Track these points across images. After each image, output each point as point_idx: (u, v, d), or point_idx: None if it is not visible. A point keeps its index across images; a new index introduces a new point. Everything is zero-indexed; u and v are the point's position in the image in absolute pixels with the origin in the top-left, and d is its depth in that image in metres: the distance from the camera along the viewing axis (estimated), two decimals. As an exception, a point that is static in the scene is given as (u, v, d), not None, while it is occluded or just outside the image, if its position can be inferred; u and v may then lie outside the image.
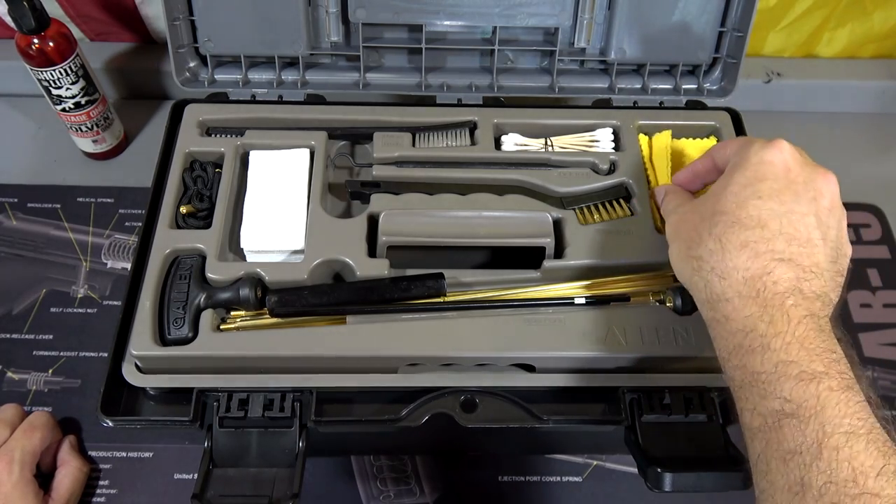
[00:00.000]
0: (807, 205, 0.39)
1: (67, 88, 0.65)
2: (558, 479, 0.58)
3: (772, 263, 0.37)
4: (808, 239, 0.39)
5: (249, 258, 0.52)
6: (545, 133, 0.60)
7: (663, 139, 0.59)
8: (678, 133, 0.60)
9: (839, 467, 0.32)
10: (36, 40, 0.61)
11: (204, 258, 0.51)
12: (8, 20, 0.61)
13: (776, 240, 0.38)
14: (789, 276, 0.37)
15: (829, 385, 0.34)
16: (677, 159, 0.58)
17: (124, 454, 0.58)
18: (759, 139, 0.42)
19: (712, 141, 0.60)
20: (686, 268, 0.42)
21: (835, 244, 0.40)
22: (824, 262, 0.39)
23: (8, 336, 0.63)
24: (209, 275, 0.50)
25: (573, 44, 0.63)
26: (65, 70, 0.63)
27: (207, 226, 0.52)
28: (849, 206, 0.75)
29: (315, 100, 0.62)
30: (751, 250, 0.38)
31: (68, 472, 0.54)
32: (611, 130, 0.60)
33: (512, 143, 0.59)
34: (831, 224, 0.40)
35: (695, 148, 0.59)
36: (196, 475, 0.45)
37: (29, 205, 0.71)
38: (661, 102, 0.64)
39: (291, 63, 0.64)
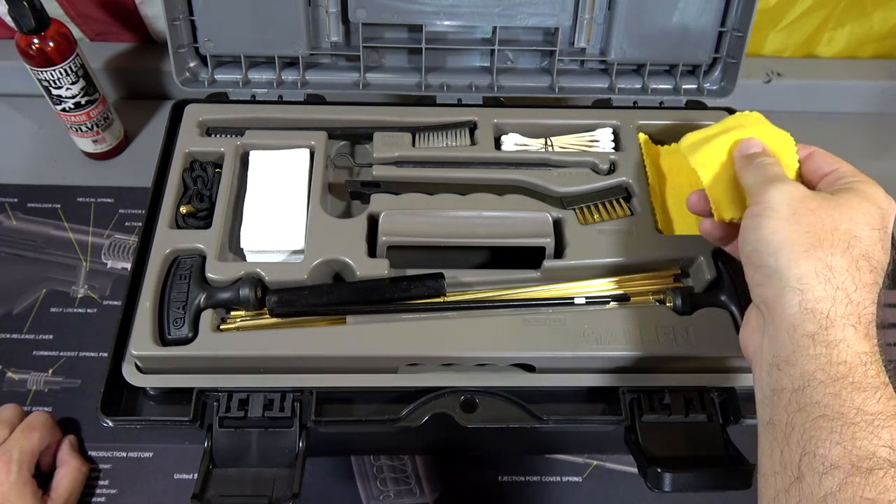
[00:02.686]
0: (886, 254, 0.39)
1: (67, 88, 0.65)
2: (558, 479, 0.58)
3: (851, 288, 0.37)
4: (876, 281, 0.38)
5: (249, 258, 0.52)
6: (545, 133, 0.60)
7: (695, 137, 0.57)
8: (678, 131, 0.60)
9: None
10: (36, 40, 0.61)
11: (204, 258, 0.51)
12: (8, 20, 0.61)
13: (864, 273, 0.37)
14: (863, 301, 0.37)
15: (890, 410, 0.33)
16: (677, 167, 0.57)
17: (124, 454, 0.58)
18: (867, 178, 0.42)
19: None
20: (804, 264, 0.37)
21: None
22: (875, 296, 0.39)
23: (8, 336, 0.63)
24: (209, 275, 0.50)
25: (573, 44, 0.64)
26: (65, 70, 0.63)
27: (207, 226, 0.52)
28: (849, 206, 0.75)
29: (315, 100, 0.62)
30: (875, 294, 0.37)
31: (68, 471, 0.54)
32: (611, 130, 0.60)
33: (512, 143, 0.59)
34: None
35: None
36: (196, 475, 0.45)
37: (29, 205, 0.71)
38: (661, 102, 0.64)
39: (291, 63, 0.64)
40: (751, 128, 0.50)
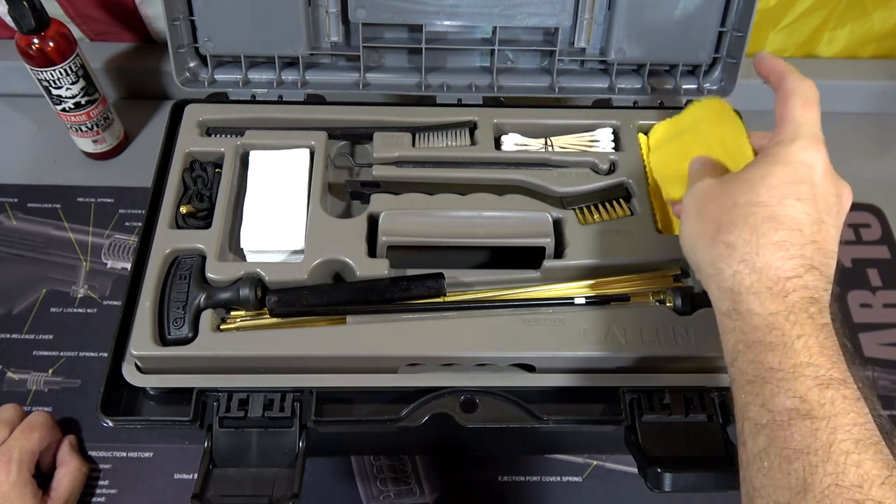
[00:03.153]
0: (834, 217, 0.40)
1: (67, 88, 0.65)
2: (558, 479, 0.58)
3: (801, 268, 0.37)
4: (831, 250, 0.39)
5: (249, 258, 0.52)
6: (545, 133, 0.60)
7: (660, 132, 0.58)
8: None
9: (846, 471, 0.32)
10: (36, 40, 0.61)
11: (204, 258, 0.51)
12: (8, 20, 0.61)
13: (808, 246, 0.38)
14: (815, 283, 0.37)
15: (844, 393, 0.34)
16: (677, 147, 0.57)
17: (124, 454, 0.58)
18: (805, 132, 0.42)
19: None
20: (710, 251, 0.40)
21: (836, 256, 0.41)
22: (833, 274, 0.39)
23: (8, 336, 0.63)
24: (209, 275, 0.50)
25: (573, 44, 0.63)
26: (65, 70, 0.63)
27: (207, 226, 0.52)
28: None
29: (315, 100, 0.62)
30: (786, 251, 0.38)
31: (67, 471, 0.54)
32: (611, 130, 0.60)
33: (512, 143, 0.59)
34: (838, 238, 0.41)
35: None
36: (196, 475, 0.45)
37: (29, 205, 0.71)
38: (661, 102, 0.64)
39: (291, 63, 0.64)
40: (708, 121, 0.54)
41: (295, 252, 0.52)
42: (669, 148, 0.56)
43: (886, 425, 0.36)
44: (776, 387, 0.35)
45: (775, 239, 0.38)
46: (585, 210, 0.55)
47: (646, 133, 0.60)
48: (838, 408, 0.34)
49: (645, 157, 0.58)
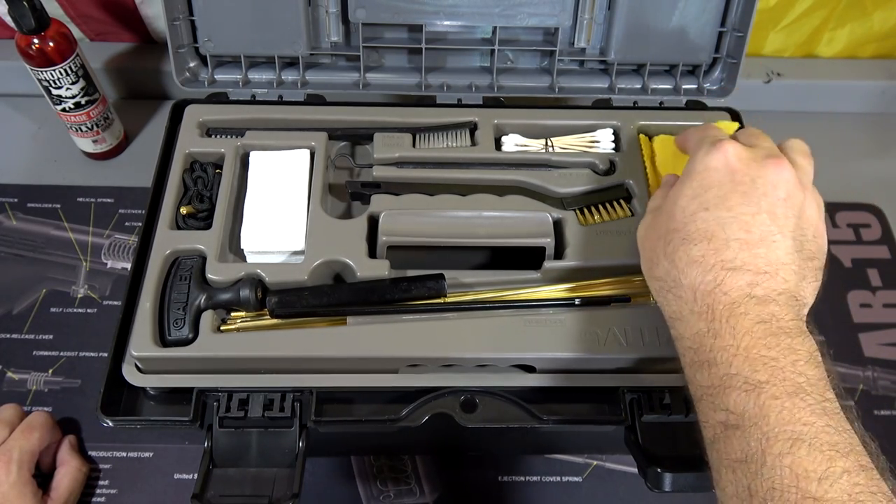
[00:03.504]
0: (756, 203, 0.38)
1: (67, 88, 0.65)
2: (558, 479, 0.59)
3: (721, 274, 0.37)
4: (760, 238, 0.38)
5: (250, 259, 0.52)
6: (545, 133, 0.60)
7: (668, 145, 0.58)
8: (678, 131, 0.60)
9: (782, 473, 0.32)
10: (36, 40, 0.61)
11: (204, 259, 0.51)
12: (8, 20, 0.61)
13: (725, 249, 0.37)
14: (740, 283, 0.37)
15: (771, 393, 0.34)
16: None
17: (124, 454, 0.58)
18: (707, 142, 0.41)
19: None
20: (652, 287, 0.42)
21: (797, 233, 0.39)
22: (785, 257, 0.38)
23: (8, 336, 0.63)
24: (209, 276, 0.50)
25: (573, 44, 0.63)
26: (65, 70, 0.63)
27: (208, 227, 0.52)
28: (849, 206, 0.76)
29: (315, 100, 0.62)
30: (700, 265, 0.38)
31: (67, 471, 0.54)
32: (611, 131, 0.60)
33: (512, 143, 0.59)
34: (789, 214, 0.39)
35: None
36: (196, 475, 0.45)
37: (29, 205, 0.71)
38: (661, 102, 0.64)
39: (291, 63, 0.64)
40: None
41: (295, 253, 0.52)
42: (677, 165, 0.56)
43: (842, 394, 0.35)
44: (710, 403, 0.36)
45: (689, 258, 0.38)
46: (586, 210, 0.55)
47: (647, 134, 0.60)
48: (766, 410, 0.33)
49: (646, 159, 0.57)
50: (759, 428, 0.33)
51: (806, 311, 0.39)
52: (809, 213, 0.40)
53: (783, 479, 0.31)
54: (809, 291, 0.39)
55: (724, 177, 0.39)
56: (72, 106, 0.66)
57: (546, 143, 0.59)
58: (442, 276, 0.49)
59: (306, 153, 0.56)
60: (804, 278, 0.38)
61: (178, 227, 0.53)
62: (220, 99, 0.62)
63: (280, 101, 0.62)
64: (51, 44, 0.61)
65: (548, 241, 0.52)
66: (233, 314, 0.50)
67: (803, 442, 0.32)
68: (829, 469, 0.31)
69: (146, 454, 0.58)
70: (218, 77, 0.63)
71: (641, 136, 0.59)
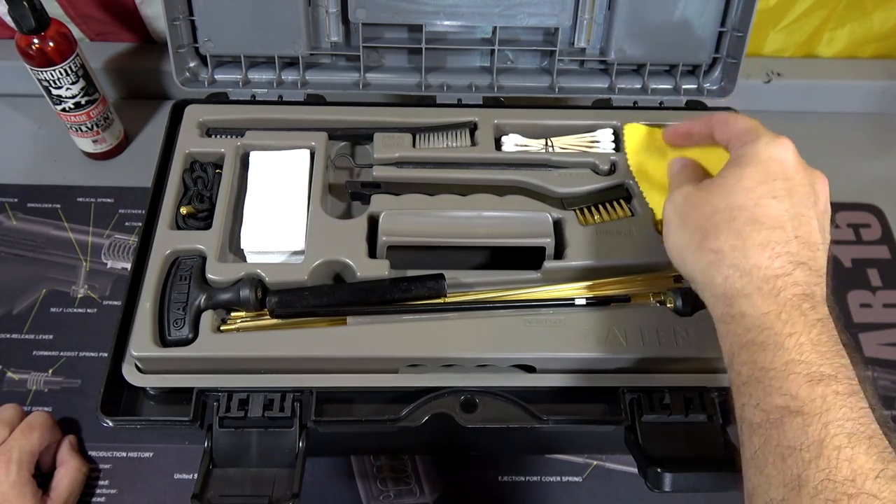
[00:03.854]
0: (811, 207, 0.40)
1: (67, 88, 0.65)
2: (558, 479, 0.59)
3: (790, 265, 0.38)
4: (815, 242, 0.39)
5: (250, 259, 0.52)
6: (545, 133, 0.60)
7: (637, 133, 0.57)
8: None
9: (839, 466, 0.32)
10: (36, 40, 0.61)
11: (204, 259, 0.51)
12: (8, 20, 0.61)
13: (792, 242, 0.38)
14: (805, 279, 0.38)
15: (836, 389, 0.34)
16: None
17: (124, 454, 0.58)
18: (764, 131, 0.42)
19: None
20: (699, 259, 0.41)
21: (827, 247, 0.41)
22: (824, 265, 0.40)
23: (8, 336, 0.63)
24: (209, 276, 0.50)
25: (573, 44, 0.64)
26: (65, 70, 0.63)
27: (208, 227, 0.52)
28: (849, 206, 0.76)
29: (315, 100, 0.62)
30: (771, 250, 0.38)
31: (67, 471, 0.54)
32: (611, 131, 0.60)
33: (512, 143, 0.59)
34: (826, 227, 0.41)
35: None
36: (196, 475, 0.45)
37: (29, 205, 0.71)
38: (661, 102, 0.64)
39: (291, 63, 0.64)
40: None
41: (295, 253, 0.52)
42: (649, 154, 0.56)
43: (885, 418, 0.35)
44: (768, 386, 0.36)
45: (760, 240, 0.38)
46: (586, 211, 0.55)
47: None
48: (830, 403, 0.34)
49: (628, 151, 0.57)
50: (821, 418, 0.33)
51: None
52: (829, 231, 0.42)
53: (840, 472, 0.32)
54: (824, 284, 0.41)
55: (790, 171, 0.40)
56: (72, 106, 0.66)
57: (546, 143, 0.59)
58: (442, 276, 0.49)
59: (306, 153, 0.56)
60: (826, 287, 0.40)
61: (178, 227, 0.53)
62: (220, 99, 0.62)
63: (280, 101, 0.62)
64: (51, 44, 0.61)
65: (548, 241, 0.52)
66: (233, 314, 0.50)
67: (862, 440, 0.33)
68: (885, 470, 0.32)
69: (146, 454, 0.58)
70: (218, 77, 0.63)
71: (627, 127, 0.59)
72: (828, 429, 0.33)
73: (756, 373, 0.36)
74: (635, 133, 0.57)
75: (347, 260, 0.50)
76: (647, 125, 0.58)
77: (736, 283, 0.39)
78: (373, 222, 0.53)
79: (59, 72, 0.63)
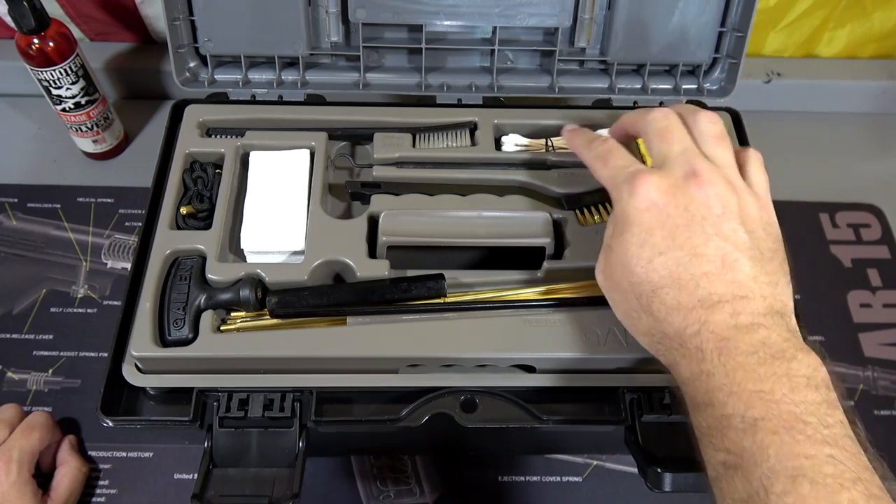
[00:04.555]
0: (702, 230, 0.37)
1: (67, 88, 0.65)
2: (558, 479, 0.59)
3: (702, 313, 0.36)
4: (723, 264, 0.37)
5: (250, 259, 0.52)
6: (545, 133, 0.60)
7: None
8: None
9: None
10: (36, 40, 0.61)
11: (204, 259, 0.51)
12: (8, 20, 0.61)
13: (696, 288, 0.37)
14: (723, 317, 0.36)
15: (768, 429, 0.33)
16: None
17: (124, 454, 0.58)
18: (622, 177, 0.40)
19: None
20: (641, 342, 0.41)
21: (750, 239, 0.38)
22: (751, 271, 0.37)
23: (8, 336, 0.63)
24: (209, 276, 0.50)
25: (573, 44, 0.63)
26: (65, 70, 0.63)
27: (208, 227, 0.52)
28: (849, 206, 0.76)
29: (315, 100, 0.62)
30: (679, 311, 0.37)
31: (67, 471, 0.54)
32: (611, 131, 0.60)
33: (512, 143, 0.59)
34: (734, 225, 0.38)
35: None
36: (196, 475, 0.45)
37: (29, 205, 0.71)
38: (661, 102, 0.64)
39: (291, 63, 0.64)
40: None
41: (295, 253, 0.52)
42: None
43: (844, 394, 0.35)
44: (710, 444, 0.35)
45: (668, 305, 0.37)
46: (586, 211, 0.55)
47: None
48: (765, 447, 0.32)
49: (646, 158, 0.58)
50: (758, 467, 0.32)
51: (793, 318, 0.38)
52: (749, 211, 0.39)
53: None
54: (787, 294, 0.38)
55: (659, 216, 0.38)
56: (72, 106, 0.66)
57: (546, 143, 0.59)
58: (442, 276, 0.49)
59: (306, 153, 0.56)
60: (777, 284, 0.38)
61: (178, 227, 0.53)
62: (220, 99, 0.62)
63: (280, 101, 0.62)
64: (51, 44, 0.61)
65: (548, 241, 0.52)
66: (233, 314, 0.50)
67: (805, 477, 0.31)
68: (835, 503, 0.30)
69: (146, 454, 0.58)
70: (218, 77, 0.63)
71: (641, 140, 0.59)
72: (768, 476, 0.32)
73: (700, 433, 0.36)
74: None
75: (347, 260, 0.50)
76: None
77: (666, 357, 0.39)
78: (373, 222, 0.53)
79: (59, 72, 0.63)
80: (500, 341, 0.48)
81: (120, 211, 0.71)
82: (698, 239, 0.37)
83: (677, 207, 0.38)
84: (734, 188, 0.39)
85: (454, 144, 0.59)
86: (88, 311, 0.65)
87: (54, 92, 0.65)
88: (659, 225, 0.38)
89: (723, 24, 0.62)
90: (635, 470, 0.47)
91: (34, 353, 0.62)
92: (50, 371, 0.61)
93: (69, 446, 0.56)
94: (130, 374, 0.47)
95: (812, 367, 0.34)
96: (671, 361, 0.38)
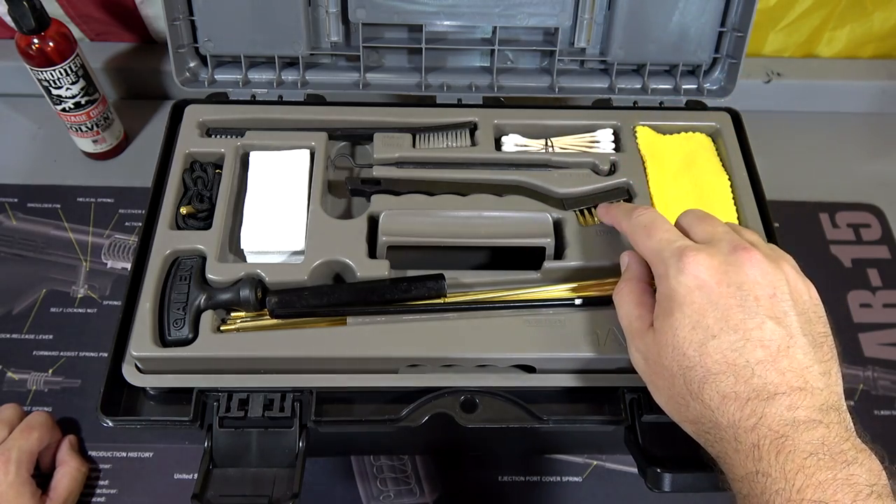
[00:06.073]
0: (755, 311, 0.36)
1: (67, 88, 0.65)
2: (558, 479, 0.59)
3: (759, 406, 0.34)
4: (778, 350, 0.35)
5: (250, 259, 0.52)
6: (545, 134, 0.60)
7: (646, 136, 0.59)
8: (677, 131, 0.61)
9: None
10: (36, 40, 0.61)
11: (204, 259, 0.51)
12: (8, 20, 0.61)
13: (752, 376, 0.35)
14: (780, 410, 0.34)
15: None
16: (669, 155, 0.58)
17: (124, 454, 0.58)
18: (669, 252, 0.39)
19: (699, 136, 0.61)
20: (687, 430, 0.39)
21: (801, 321, 0.37)
22: (805, 359, 0.35)
23: (8, 336, 0.63)
24: (209, 276, 0.50)
25: (573, 44, 0.63)
26: (65, 70, 0.63)
27: (208, 227, 0.52)
28: (849, 206, 0.76)
29: (315, 100, 0.62)
30: (734, 401, 0.35)
31: (67, 471, 0.54)
32: (611, 131, 0.60)
33: (512, 143, 0.59)
34: (785, 307, 0.37)
35: (683, 143, 0.59)
36: (196, 475, 0.45)
37: (29, 205, 0.71)
38: (661, 102, 0.64)
39: (291, 63, 0.64)
40: (701, 154, 0.58)
41: (295, 253, 0.52)
42: (665, 167, 0.58)
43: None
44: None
45: (722, 393, 0.35)
46: (586, 211, 0.55)
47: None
48: None
49: (643, 152, 0.58)
50: None
51: (847, 412, 0.36)
52: (800, 293, 0.38)
53: None
54: (839, 385, 0.36)
55: (711, 296, 0.37)
56: (72, 106, 0.66)
57: (546, 143, 0.59)
58: (442, 276, 0.49)
59: (306, 153, 0.56)
60: (829, 373, 0.36)
61: (178, 227, 0.53)
62: (220, 99, 0.62)
63: (280, 101, 0.62)
64: (51, 44, 0.61)
65: (548, 242, 0.52)
66: (233, 314, 0.50)
67: None
68: None
69: (146, 454, 0.58)
70: (218, 77, 0.63)
71: (639, 128, 0.60)
72: None
73: None
74: (646, 135, 0.59)
75: (347, 260, 0.50)
76: (654, 129, 0.60)
77: (716, 448, 0.36)
78: (373, 222, 0.53)
79: (59, 72, 0.63)
80: (500, 341, 0.48)
81: (120, 211, 0.71)
82: (752, 322, 0.36)
83: (729, 286, 0.37)
84: (775, 262, 0.38)
85: (454, 144, 0.59)
86: (88, 311, 0.65)
87: (54, 92, 0.65)
88: (711, 305, 0.36)
89: (723, 24, 0.62)
90: (635, 470, 0.47)
91: (34, 353, 0.62)
92: (50, 371, 0.61)
93: (69, 446, 0.56)
94: (130, 374, 0.47)
95: (875, 472, 0.33)
96: (720, 453, 0.36)
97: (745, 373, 0.35)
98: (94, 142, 0.71)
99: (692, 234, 0.41)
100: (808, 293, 0.39)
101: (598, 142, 0.60)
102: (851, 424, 0.35)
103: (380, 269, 0.50)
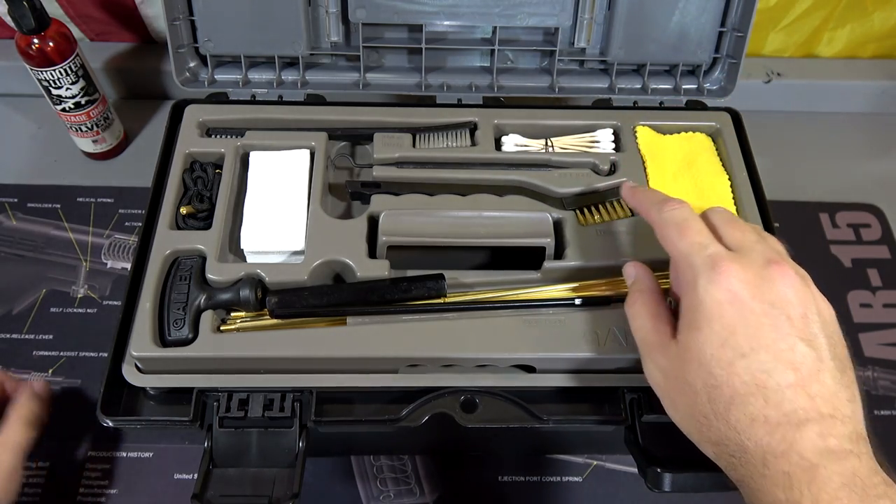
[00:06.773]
0: (787, 332, 0.35)
1: (67, 88, 0.65)
2: (558, 479, 0.59)
3: (790, 431, 0.33)
4: (808, 374, 0.34)
5: (250, 259, 0.52)
6: (545, 133, 0.60)
7: (646, 136, 0.59)
8: (677, 131, 0.61)
9: None
10: (36, 40, 0.61)
11: (204, 259, 0.51)
12: (8, 20, 0.61)
13: (783, 401, 0.33)
14: (811, 437, 0.32)
15: None
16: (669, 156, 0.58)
17: (124, 454, 0.58)
18: (700, 259, 0.37)
19: (699, 136, 0.61)
20: (707, 452, 0.37)
21: (829, 345, 0.35)
22: (833, 384, 0.34)
23: (8, 336, 0.63)
24: (209, 276, 0.50)
25: (573, 44, 0.63)
26: (65, 70, 0.63)
27: (207, 227, 0.52)
28: (849, 206, 0.76)
29: (315, 100, 0.62)
30: (763, 425, 0.33)
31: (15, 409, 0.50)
32: (611, 131, 0.60)
33: (512, 143, 0.59)
34: (815, 329, 0.35)
35: (682, 143, 0.60)
36: (196, 475, 0.45)
37: (29, 205, 0.71)
38: (661, 102, 0.64)
39: (291, 63, 0.64)
40: (701, 154, 0.58)
41: (295, 253, 0.52)
42: (661, 160, 0.58)
43: None
44: None
45: (751, 417, 0.34)
46: (586, 211, 0.55)
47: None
48: None
49: (643, 152, 0.58)
50: None
51: (868, 443, 0.34)
52: (826, 315, 0.36)
53: None
54: (862, 413, 0.35)
55: (743, 312, 0.35)
56: (72, 106, 0.66)
57: (546, 143, 0.59)
58: (442, 276, 0.49)
59: (306, 153, 0.56)
60: (854, 400, 0.35)
61: (178, 227, 0.53)
62: (220, 99, 0.62)
63: (280, 101, 0.62)
64: (51, 44, 0.61)
65: (548, 241, 0.52)
66: (233, 314, 0.50)
67: None
68: None
69: (146, 454, 0.58)
70: (218, 77, 0.63)
71: (640, 128, 0.60)
72: None
73: None
74: (646, 135, 0.59)
75: (347, 260, 0.50)
76: (654, 129, 0.60)
77: (740, 471, 0.35)
78: (373, 222, 0.53)
79: (59, 72, 0.63)
80: (500, 341, 0.48)
81: (120, 211, 0.71)
82: (784, 343, 0.34)
83: (762, 303, 0.35)
84: (810, 289, 0.37)
85: (454, 144, 0.59)
86: (88, 311, 0.65)
87: (54, 92, 0.65)
88: (742, 322, 0.35)
89: (723, 24, 0.62)
90: (635, 470, 0.47)
91: (34, 353, 0.62)
92: (50, 371, 0.61)
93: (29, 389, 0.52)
94: (130, 374, 0.47)
95: None
96: (744, 477, 0.34)
97: (776, 396, 0.33)
98: (94, 142, 0.71)
99: (722, 238, 0.39)
100: (829, 313, 0.37)
101: (598, 142, 0.60)
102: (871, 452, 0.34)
103: (380, 269, 0.50)
